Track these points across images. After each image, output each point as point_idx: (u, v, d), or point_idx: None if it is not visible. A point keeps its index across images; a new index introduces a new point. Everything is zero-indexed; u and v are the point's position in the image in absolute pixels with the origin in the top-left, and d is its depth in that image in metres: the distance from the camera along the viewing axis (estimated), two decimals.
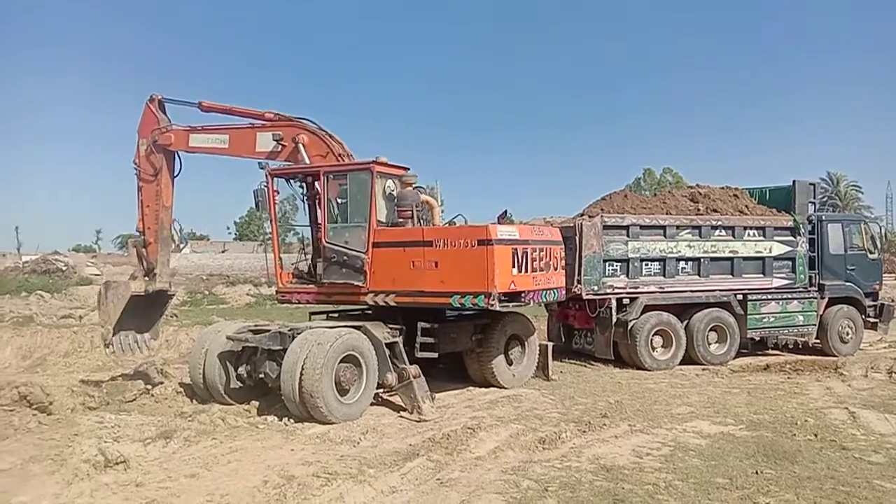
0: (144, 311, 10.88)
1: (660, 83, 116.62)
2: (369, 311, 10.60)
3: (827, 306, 14.38)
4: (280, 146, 10.40)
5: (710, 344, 13.31)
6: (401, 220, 9.94)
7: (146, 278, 10.85)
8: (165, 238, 11.03)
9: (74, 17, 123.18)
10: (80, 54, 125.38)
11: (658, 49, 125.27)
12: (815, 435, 7.82)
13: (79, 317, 19.78)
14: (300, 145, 10.31)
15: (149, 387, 10.39)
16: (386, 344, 9.38)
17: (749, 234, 13.65)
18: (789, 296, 13.96)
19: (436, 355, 9.81)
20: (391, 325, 9.83)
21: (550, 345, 12.07)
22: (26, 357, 14.63)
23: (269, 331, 9.42)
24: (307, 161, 10.32)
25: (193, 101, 11.08)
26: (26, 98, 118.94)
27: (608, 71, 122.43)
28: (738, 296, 13.52)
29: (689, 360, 13.07)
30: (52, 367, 13.49)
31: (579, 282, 12.26)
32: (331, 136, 10.44)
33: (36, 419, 8.46)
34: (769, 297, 13.78)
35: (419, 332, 9.73)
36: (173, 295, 11.56)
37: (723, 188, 14.91)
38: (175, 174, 11.15)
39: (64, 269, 34.45)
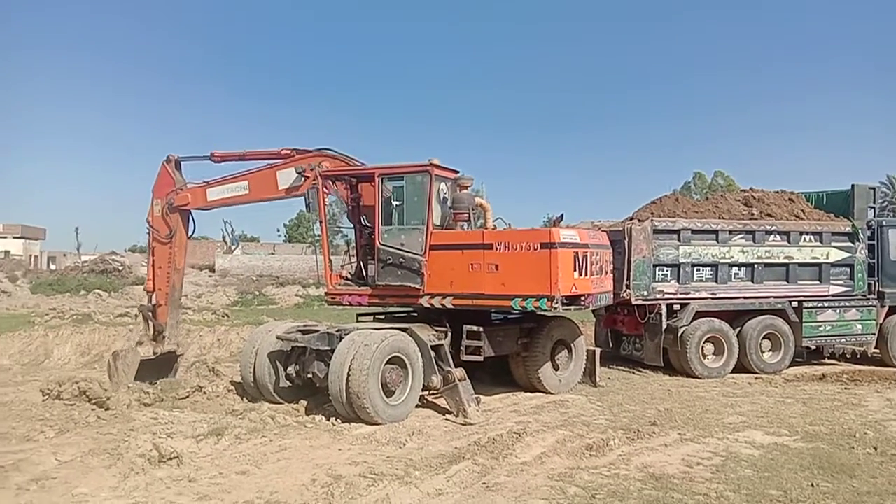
0: (155, 374, 10.88)
1: (708, 83, 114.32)
2: (415, 314, 10.65)
3: (887, 315, 13.93)
4: (303, 178, 10.39)
5: (763, 352, 12.98)
6: (456, 222, 9.95)
7: (154, 342, 10.95)
8: (176, 300, 11.14)
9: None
10: (126, 56, 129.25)
11: (709, 47, 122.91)
12: (875, 448, 7.55)
13: (134, 315, 20.33)
14: None
15: (201, 385, 10.62)
16: (431, 346, 9.41)
17: (805, 240, 13.28)
18: (847, 304, 13.55)
19: (481, 359, 9.79)
20: (437, 328, 9.87)
21: (598, 350, 11.91)
22: (85, 353, 15.22)
23: (317, 331, 9.55)
24: (331, 185, 10.46)
25: (206, 155, 11.18)
26: (88, 102, 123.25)
27: (654, 71, 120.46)
28: (793, 303, 13.17)
29: (741, 368, 12.77)
30: None
31: (628, 287, 12.10)
32: (352, 158, 10.56)
33: (94, 414, 8.85)
34: (826, 304, 13.39)
35: (465, 336, 9.75)
36: (182, 355, 11.63)
37: (777, 192, 14.55)
38: (189, 235, 11.30)
39: (120, 268, 35.66)
